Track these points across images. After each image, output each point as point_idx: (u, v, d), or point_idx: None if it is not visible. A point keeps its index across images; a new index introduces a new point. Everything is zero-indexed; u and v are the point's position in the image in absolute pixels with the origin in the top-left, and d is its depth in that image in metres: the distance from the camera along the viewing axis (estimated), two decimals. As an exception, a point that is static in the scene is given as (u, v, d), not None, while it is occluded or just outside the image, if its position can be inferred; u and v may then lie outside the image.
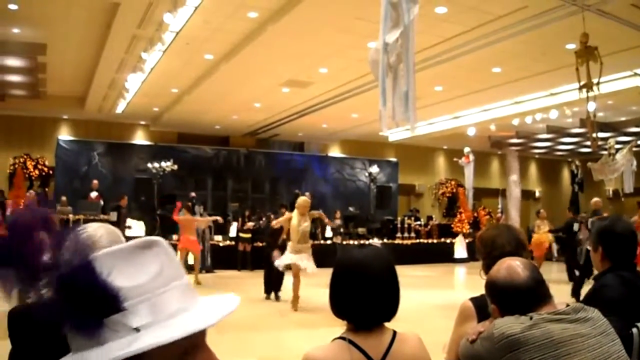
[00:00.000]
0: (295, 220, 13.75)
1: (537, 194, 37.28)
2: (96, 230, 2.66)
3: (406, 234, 27.21)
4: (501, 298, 2.80)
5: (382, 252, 2.78)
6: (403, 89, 4.96)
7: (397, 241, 26.56)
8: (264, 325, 11.98)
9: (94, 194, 23.12)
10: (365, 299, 2.62)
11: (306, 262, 13.80)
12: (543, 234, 19.77)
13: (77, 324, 1.24)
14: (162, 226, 23.09)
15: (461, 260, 26.38)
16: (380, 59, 4.93)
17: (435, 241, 27.57)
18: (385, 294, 2.67)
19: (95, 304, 1.23)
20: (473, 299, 3.59)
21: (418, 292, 15.54)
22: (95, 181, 23.88)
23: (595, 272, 4.06)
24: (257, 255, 22.03)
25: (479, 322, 3.31)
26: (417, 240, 27.28)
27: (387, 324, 2.73)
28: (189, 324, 1.28)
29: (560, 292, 14.64)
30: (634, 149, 22.66)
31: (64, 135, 25.98)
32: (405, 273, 15.81)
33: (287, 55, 16.12)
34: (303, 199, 14.39)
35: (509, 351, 2.55)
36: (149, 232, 22.66)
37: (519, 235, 3.64)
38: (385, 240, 25.77)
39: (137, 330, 1.25)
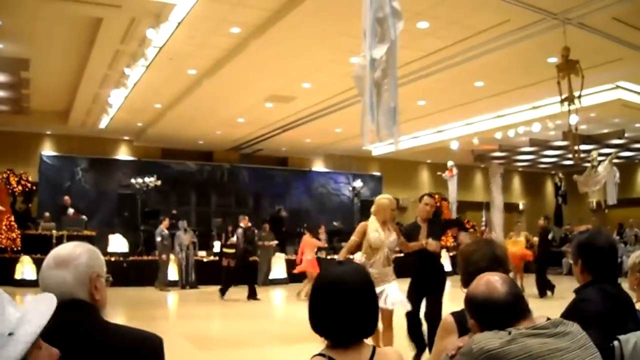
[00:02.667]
0: (378, 232, 8.91)
1: (521, 207, 37.35)
2: (74, 248, 2.67)
3: (390, 248, 27.14)
4: (480, 313, 2.81)
5: (360, 268, 2.79)
6: (391, 104, 4.98)
7: (381, 255, 26.48)
8: (248, 340, 11.93)
9: (70, 211, 23.00)
10: (342, 316, 2.62)
11: (398, 295, 8.89)
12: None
13: None
14: (146, 242, 23.03)
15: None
16: (366, 75, 4.95)
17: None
18: (362, 311, 2.66)
19: None
20: (454, 314, 3.60)
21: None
22: (66, 197, 23.80)
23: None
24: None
25: (460, 336, 3.33)
26: (402, 254, 27.17)
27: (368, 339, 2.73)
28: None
29: (543, 305, 14.65)
30: (615, 160, 22.79)
31: (48, 150, 25.88)
32: (390, 287, 15.80)
33: (270, 70, 16.13)
34: (387, 199, 9.41)
35: (488, 366, 2.56)
36: (132, 248, 22.58)
37: (496, 251, 3.65)
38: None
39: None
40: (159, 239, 20.86)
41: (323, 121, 21.82)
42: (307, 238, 19.78)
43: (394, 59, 4.94)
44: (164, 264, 20.77)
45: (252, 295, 18.00)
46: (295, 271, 20.07)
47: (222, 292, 18.15)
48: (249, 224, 19.62)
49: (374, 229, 8.94)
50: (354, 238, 9.19)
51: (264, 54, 14.60)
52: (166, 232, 21.09)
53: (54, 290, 2.55)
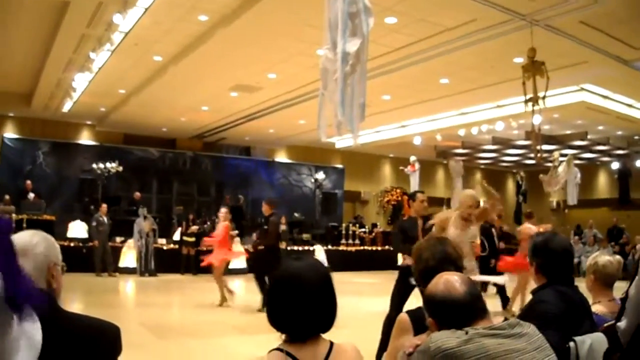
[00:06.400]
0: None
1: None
2: (32, 237, 2.65)
3: (350, 241, 27.29)
4: (438, 312, 2.83)
5: (317, 263, 2.81)
6: (360, 100, 4.99)
7: (341, 247, 26.63)
8: (205, 331, 11.88)
9: (31, 195, 22.75)
10: (299, 311, 2.65)
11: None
12: None
13: None
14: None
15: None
16: (333, 68, 4.94)
17: (379, 248, 27.63)
18: (319, 306, 2.70)
19: None
20: (409, 312, 3.62)
21: (361, 299, 15.55)
22: (28, 182, 23.48)
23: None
24: (201, 259, 22.02)
25: (415, 334, 3.34)
26: (362, 247, 27.38)
27: (327, 333, 2.75)
28: None
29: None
30: (575, 162, 22.98)
31: (9, 133, 25.62)
32: (349, 280, 15.85)
33: (236, 59, 16.09)
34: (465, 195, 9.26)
35: (444, 365, 2.57)
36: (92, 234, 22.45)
37: (447, 249, 3.67)
38: (329, 247, 25.78)
39: None
40: (94, 223, 20.88)
41: (287, 112, 21.81)
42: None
43: (364, 55, 4.95)
44: (96, 250, 20.76)
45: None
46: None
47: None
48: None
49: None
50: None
51: (231, 43, 14.57)
52: (103, 218, 21.00)
53: None
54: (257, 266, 15.10)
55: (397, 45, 14.35)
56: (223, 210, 15.88)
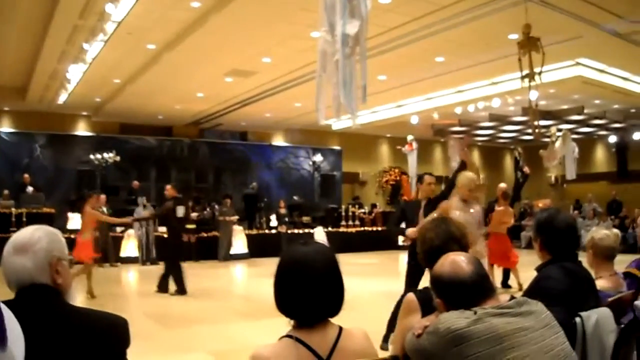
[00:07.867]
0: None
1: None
2: (33, 233, 2.64)
3: (350, 222, 27.33)
4: (446, 292, 2.84)
5: (324, 248, 2.83)
6: (362, 82, 4.99)
7: (341, 229, 26.66)
8: (209, 318, 11.88)
9: (29, 189, 22.75)
10: (306, 296, 2.66)
11: None
12: None
13: None
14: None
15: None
16: (338, 51, 4.93)
17: (379, 229, 27.66)
18: (326, 291, 2.71)
19: None
20: (416, 292, 3.61)
21: (363, 280, 15.56)
22: (26, 175, 23.48)
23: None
24: (202, 246, 21.96)
25: (423, 315, 3.34)
26: (362, 228, 27.41)
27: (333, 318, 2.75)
28: None
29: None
30: (572, 136, 22.99)
31: (5, 127, 25.59)
32: (350, 261, 15.84)
33: (230, 44, 16.07)
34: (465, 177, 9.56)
35: (454, 345, 2.58)
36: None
37: (450, 229, 3.67)
38: (330, 229, 25.79)
39: None
40: None
41: (283, 96, 21.80)
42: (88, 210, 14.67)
43: (364, 37, 4.94)
44: (97, 241, 20.46)
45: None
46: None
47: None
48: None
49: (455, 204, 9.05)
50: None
51: (224, 28, 14.55)
52: (102, 209, 20.69)
53: (13, 276, 2.54)
54: (164, 251, 15.88)
55: (392, 25, 14.31)
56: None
